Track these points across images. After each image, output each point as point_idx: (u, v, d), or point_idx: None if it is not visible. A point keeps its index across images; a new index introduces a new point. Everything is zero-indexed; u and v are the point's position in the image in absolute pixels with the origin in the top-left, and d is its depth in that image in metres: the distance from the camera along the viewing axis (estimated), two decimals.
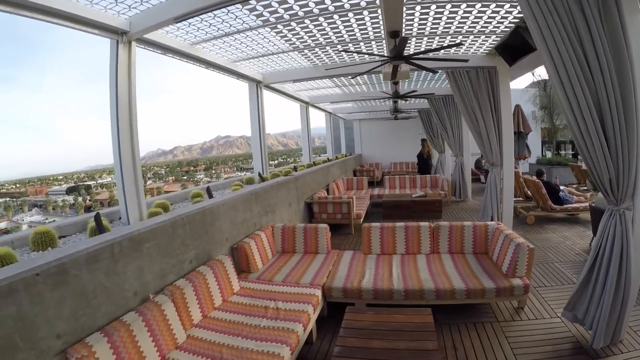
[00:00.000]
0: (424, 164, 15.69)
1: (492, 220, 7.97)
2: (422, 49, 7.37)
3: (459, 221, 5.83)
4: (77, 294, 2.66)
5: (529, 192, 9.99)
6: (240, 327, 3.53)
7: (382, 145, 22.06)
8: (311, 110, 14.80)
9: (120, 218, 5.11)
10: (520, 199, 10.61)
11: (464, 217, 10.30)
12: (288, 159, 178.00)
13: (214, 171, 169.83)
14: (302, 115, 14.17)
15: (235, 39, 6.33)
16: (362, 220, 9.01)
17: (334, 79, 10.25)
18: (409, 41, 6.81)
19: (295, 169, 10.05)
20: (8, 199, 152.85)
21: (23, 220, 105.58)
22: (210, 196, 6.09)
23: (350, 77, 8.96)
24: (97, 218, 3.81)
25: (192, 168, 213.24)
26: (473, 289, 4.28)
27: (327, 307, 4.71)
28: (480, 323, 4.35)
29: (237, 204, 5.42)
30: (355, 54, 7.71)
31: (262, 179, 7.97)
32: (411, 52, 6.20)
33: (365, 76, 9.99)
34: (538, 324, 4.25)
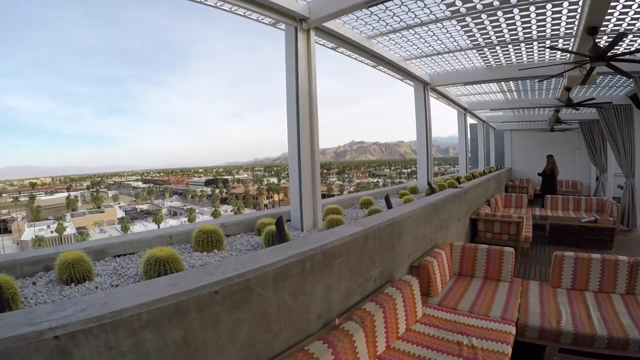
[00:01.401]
0: (549, 183, 14.54)
1: None
2: (620, 50, 6.45)
3: (636, 256, 5.04)
4: (258, 317, 2.38)
5: None
6: None
7: (533, 160, 20.14)
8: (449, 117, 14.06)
9: (288, 221, 4.89)
10: None
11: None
12: None
13: (346, 175, 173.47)
14: (460, 122, 13.59)
15: (415, 32, 6.03)
16: (529, 243, 8.28)
17: (502, 83, 9.60)
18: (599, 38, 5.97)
19: (458, 180, 9.47)
20: (152, 185, 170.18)
21: (163, 204, 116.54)
22: (389, 206, 5.76)
23: (537, 80, 8.31)
24: (279, 223, 3.56)
25: (325, 171, 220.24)
26: None
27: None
28: None
29: (420, 217, 5.08)
30: (547, 52, 7.04)
31: (432, 190, 7.55)
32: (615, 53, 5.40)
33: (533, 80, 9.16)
34: None
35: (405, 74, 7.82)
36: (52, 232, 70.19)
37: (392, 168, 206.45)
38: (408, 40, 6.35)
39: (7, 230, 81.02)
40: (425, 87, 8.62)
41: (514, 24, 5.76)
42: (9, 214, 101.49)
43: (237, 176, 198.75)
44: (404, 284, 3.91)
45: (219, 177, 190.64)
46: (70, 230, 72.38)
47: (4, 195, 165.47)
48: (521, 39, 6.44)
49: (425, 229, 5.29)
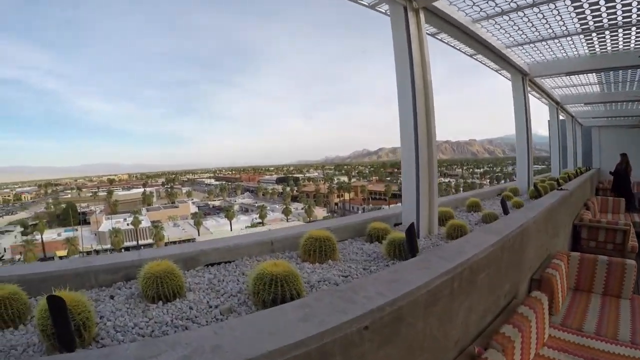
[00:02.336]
0: (622, 183, 13.53)
1: None
2: None
3: None
4: (405, 351, 2.06)
5: None
6: None
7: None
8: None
9: (397, 225, 4.62)
10: None
11: None
12: (494, 168, 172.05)
13: None
14: (552, 117, 12.99)
15: (524, 14, 5.75)
16: (635, 254, 7.60)
17: (601, 73, 9.02)
18: None
19: (557, 182, 8.87)
20: (224, 182, 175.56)
21: (235, 201, 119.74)
22: (506, 211, 5.48)
23: None
24: (411, 232, 3.21)
25: (395, 170, 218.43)
26: None
27: None
28: None
29: (540, 223, 4.71)
30: None
31: (538, 192, 7.13)
32: None
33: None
34: None
35: (505, 62, 7.47)
36: (128, 224, 73.83)
37: (465, 167, 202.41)
38: (514, 24, 6.06)
39: (86, 222, 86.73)
40: (524, 78, 8.20)
41: (630, 4, 5.38)
42: (88, 207, 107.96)
43: (307, 174, 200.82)
44: (535, 301, 3.54)
45: (290, 175, 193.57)
46: (145, 223, 75.79)
47: (84, 190, 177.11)
48: (634, 21, 5.98)
49: (543, 237, 4.94)
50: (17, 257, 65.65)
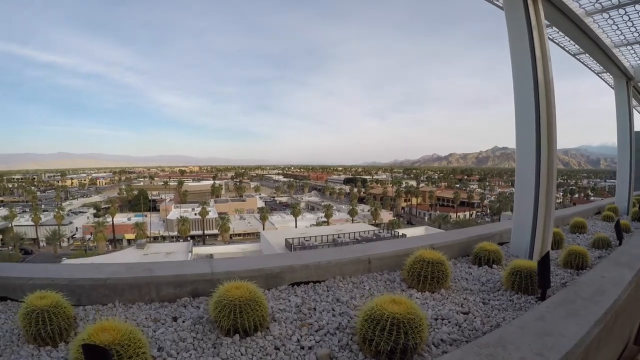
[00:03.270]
0: None
1: None
2: None
3: None
4: None
5: None
6: None
7: None
8: None
9: (502, 244, 4.23)
10: None
11: None
12: (568, 180, 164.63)
13: (487, 183, 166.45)
14: None
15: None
16: None
17: None
18: None
19: None
20: (292, 179, 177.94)
21: (302, 198, 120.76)
22: (620, 236, 5.05)
23: None
24: (545, 263, 2.81)
25: (465, 177, 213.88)
26: None
27: None
28: None
29: None
30: None
31: None
32: None
33: None
34: None
35: (611, 63, 6.86)
36: (195, 214, 76.04)
37: None
38: (629, 19, 5.57)
39: (155, 209, 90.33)
40: (628, 82, 7.52)
41: None
42: (159, 195, 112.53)
43: (375, 176, 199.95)
44: None
45: (358, 176, 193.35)
46: (212, 214, 77.72)
47: (156, 178, 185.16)
48: None
49: None
50: (88, 236, 70.00)
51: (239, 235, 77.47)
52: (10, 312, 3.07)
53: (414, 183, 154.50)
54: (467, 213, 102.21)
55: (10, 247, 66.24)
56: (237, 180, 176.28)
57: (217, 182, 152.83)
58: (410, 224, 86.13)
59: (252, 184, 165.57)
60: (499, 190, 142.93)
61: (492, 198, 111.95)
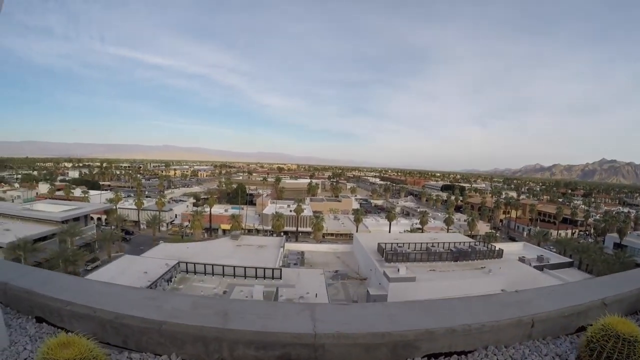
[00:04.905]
0: None
1: None
2: None
3: None
4: None
5: None
6: None
7: None
8: None
9: None
10: None
11: None
12: None
13: (593, 199, 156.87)
14: None
15: None
16: None
17: None
18: None
19: None
20: (389, 182, 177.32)
21: (397, 202, 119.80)
22: None
23: None
24: None
25: (569, 191, 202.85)
26: None
27: None
28: None
29: None
30: None
31: None
32: None
33: None
34: None
35: None
36: (290, 211, 77.07)
37: None
38: None
39: (252, 203, 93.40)
40: None
41: None
42: (256, 190, 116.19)
43: (474, 185, 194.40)
44: None
45: (456, 183, 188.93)
46: (307, 212, 78.42)
47: (254, 174, 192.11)
48: None
49: None
50: (185, 223, 74.15)
51: (332, 235, 77.59)
52: (41, 341, 2.62)
53: (514, 194, 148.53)
54: (569, 231, 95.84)
55: (113, 227, 71.04)
56: (334, 180, 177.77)
57: (314, 181, 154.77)
58: (512, 239, 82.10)
59: (349, 185, 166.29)
60: (605, 208, 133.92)
61: (597, 216, 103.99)
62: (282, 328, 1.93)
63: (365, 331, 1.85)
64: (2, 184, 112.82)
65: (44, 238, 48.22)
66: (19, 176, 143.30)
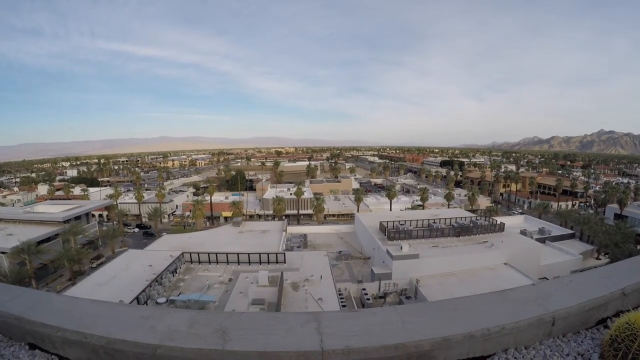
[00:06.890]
0: None
1: None
2: None
3: None
4: None
5: None
6: None
7: None
8: None
9: None
10: None
11: None
12: None
13: (592, 170, 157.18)
14: None
15: None
16: None
17: None
18: None
19: None
20: (388, 161, 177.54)
21: (397, 180, 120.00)
22: None
23: None
24: None
25: (568, 162, 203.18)
26: None
27: None
28: None
29: None
30: None
31: None
32: None
33: None
34: None
35: None
36: (291, 194, 77.38)
37: None
38: None
39: (252, 189, 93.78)
40: None
41: None
42: (256, 176, 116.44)
43: (473, 159, 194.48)
44: None
45: (455, 159, 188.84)
46: (307, 194, 78.49)
47: (252, 160, 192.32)
48: None
49: None
50: (187, 213, 74.59)
51: (333, 215, 77.87)
52: None
53: (513, 167, 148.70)
54: (570, 203, 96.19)
55: (114, 222, 71.66)
56: (333, 161, 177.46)
57: (313, 163, 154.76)
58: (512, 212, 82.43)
59: (347, 165, 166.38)
60: (605, 179, 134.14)
61: (597, 188, 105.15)
62: (286, 345, 1.83)
63: (377, 344, 1.71)
64: (1, 189, 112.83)
65: (47, 239, 48.41)
66: (18, 180, 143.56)
